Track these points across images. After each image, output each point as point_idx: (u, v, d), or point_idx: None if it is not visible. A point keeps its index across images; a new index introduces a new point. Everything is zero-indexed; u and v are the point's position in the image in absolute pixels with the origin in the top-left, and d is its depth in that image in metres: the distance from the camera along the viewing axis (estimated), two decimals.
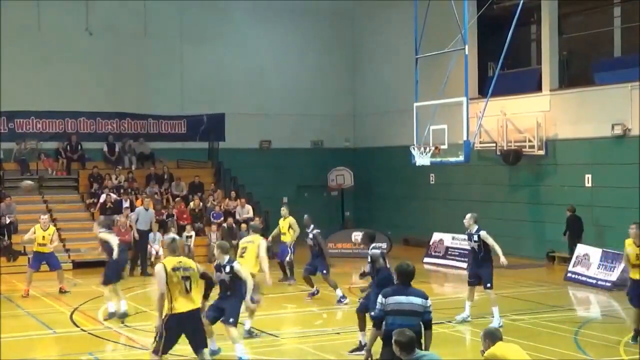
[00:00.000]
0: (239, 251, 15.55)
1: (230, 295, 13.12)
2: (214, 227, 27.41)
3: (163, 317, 10.68)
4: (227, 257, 13.09)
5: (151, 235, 25.59)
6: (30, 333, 16.07)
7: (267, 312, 16.97)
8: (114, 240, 17.22)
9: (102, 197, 27.59)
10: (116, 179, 29.19)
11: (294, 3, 33.29)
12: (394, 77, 31.39)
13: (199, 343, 10.96)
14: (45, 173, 29.30)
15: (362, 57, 34.72)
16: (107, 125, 31.31)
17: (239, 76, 32.72)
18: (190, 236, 26.94)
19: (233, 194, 29.75)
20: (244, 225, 27.35)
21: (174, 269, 10.64)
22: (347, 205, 33.57)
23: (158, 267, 10.77)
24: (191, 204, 28.74)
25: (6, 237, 25.26)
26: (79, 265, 25.14)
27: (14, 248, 24.58)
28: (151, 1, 31.35)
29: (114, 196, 27.64)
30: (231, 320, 13.03)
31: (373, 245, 14.06)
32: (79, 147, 30.35)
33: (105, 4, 30.53)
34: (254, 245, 15.51)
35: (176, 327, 10.66)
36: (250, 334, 14.96)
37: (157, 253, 25.51)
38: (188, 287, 10.68)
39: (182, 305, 10.63)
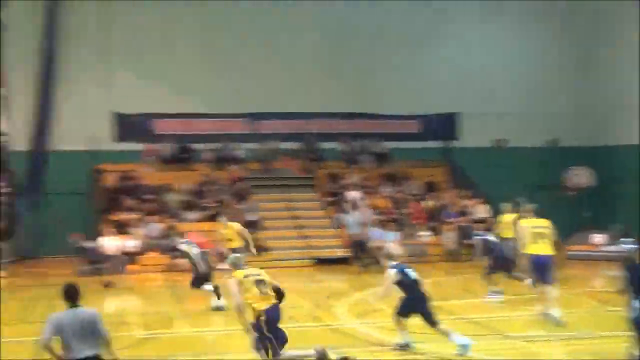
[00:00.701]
0: (536, 239, 15.40)
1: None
2: (448, 226, 27.46)
3: (255, 320, 11.35)
4: None
5: (387, 234, 25.79)
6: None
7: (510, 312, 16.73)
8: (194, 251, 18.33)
9: (345, 196, 28.28)
10: (353, 178, 29.83)
11: (526, 2, 32.93)
12: (634, 72, 30.14)
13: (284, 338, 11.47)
14: (285, 172, 30.48)
15: (599, 53, 33.54)
16: (343, 125, 32.16)
17: (470, 75, 32.72)
18: (425, 235, 27.13)
19: (467, 193, 29.65)
20: (478, 225, 27.14)
21: (245, 276, 11.68)
22: (586, 206, 32.48)
23: (230, 281, 11.76)
24: (426, 203, 28.92)
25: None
26: (322, 262, 25.93)
27: (260, 244, 25.62)
28: (383, 1, 31.87)
29: (354, 194, 28.24)
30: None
31: (622, 240, 13.45)
32: (317, 147, 31.32)
33: (337, 4, 31.41)
34: (550, 229, 15.44)
35: (272, 319, 11.32)
36: (558, 322, 14.86)
37: (389, 249, 25.71)
38: (263, 290, 11.55)
39: (262, 305, 11.40)
